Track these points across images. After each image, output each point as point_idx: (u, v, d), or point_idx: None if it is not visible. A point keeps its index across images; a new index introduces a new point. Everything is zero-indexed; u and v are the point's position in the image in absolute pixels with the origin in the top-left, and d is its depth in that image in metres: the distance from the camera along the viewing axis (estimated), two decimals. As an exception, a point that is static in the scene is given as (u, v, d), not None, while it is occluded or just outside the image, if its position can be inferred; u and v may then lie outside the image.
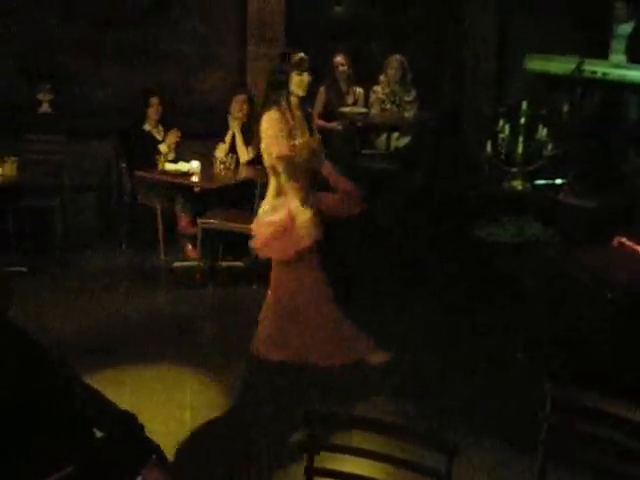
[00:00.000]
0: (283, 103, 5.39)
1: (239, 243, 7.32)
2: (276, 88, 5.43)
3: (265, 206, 5.55)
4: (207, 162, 7.65)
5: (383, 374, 5.57)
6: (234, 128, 7.85)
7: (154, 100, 8.12)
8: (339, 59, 9.33)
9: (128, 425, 2.91)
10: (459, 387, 5.43)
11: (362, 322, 5.86)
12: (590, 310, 5.11)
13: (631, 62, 9.10)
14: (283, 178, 5.38)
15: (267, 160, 5.43)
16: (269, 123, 5.34)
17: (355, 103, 9.34)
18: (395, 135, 9.14)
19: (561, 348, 5.31)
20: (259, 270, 7.34)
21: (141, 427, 2.94)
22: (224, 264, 7.71)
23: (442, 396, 5.32)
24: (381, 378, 5.54)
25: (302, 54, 5.45)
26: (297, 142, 5.37)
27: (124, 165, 8.01)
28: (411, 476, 2.94)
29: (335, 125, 9.15)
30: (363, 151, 9.11)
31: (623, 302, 4.93)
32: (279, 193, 5.45)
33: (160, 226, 7.62)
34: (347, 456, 3.04)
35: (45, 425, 2.76)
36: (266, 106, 5.42)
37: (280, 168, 5.36)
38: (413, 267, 7.45)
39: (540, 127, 7.79)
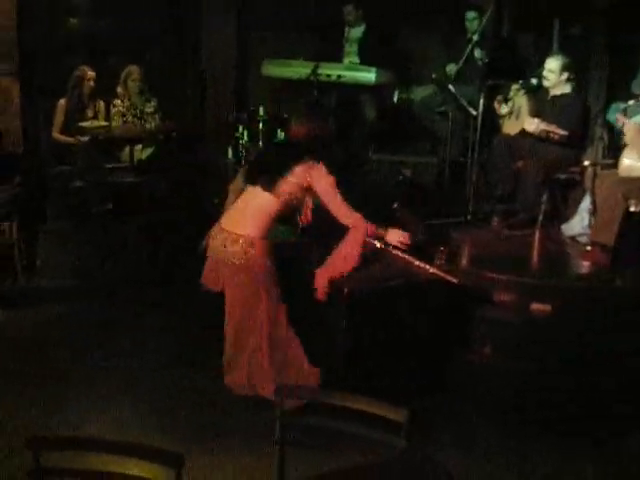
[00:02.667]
0: None
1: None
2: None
3: None
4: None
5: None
6: None
7: None
8: (91, 73, 9.13)
9: None
10: (198, 396, 5.46)
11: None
12: (329, 307, 5.26)
13: (363, 64, 9.50)
14: None
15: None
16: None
17: (96, 116, 9.20)
18: (138, 147, 9.07)
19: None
20: (5, 295, 7.15)
21: None
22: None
23: (181, 408, 5.34)
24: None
25: None
26: None
27: None
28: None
29: (76, 140, 8.97)
30: (107, 165, 8.98)
31: (356, 295, 5.11)
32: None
33: None
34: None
35: None
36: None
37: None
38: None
39: (279, 131, 7.98)
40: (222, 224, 5.19)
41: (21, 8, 8.72)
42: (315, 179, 5.10)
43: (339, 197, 5.16)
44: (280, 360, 5.22)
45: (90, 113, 9.20)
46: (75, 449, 2.90)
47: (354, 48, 9.75)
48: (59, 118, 9.10)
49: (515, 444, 4.96)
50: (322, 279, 5.22)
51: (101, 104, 9.30)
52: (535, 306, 5.55)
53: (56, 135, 9.13)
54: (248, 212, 5.11)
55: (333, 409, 3.29)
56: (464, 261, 6.19)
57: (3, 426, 5.05)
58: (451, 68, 8.77)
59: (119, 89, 9.27)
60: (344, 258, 5.23)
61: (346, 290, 5.09)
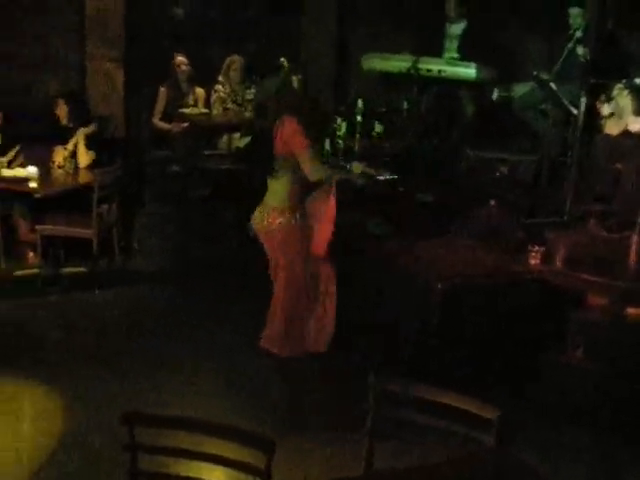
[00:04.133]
0: None
1: (81, 248, 7.26)
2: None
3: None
4: (45, 167, 7.50)
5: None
6: (82, 132, 7.65)
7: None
8: (180, 59, 9.32)
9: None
10: (283, 383, 5.50)
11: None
12: (422, 302, 5.27)
13: (463, 60, 9.44)
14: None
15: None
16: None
17: (196, 104, 9.34)
18: (237, 135, 9.17)
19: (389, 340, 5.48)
20: (102, 275, 7.33)
21: None
22: (67, 270, 7.58)
23: (267, 393, 5.42)
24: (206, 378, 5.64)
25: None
26: None
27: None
28: (239, 476, 3.00)
29: (175, 126, 9.12)
30: (206, 152, 9.10)
31: (450, 292, 5.11)
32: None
33: (-1, 234, 7.43)
34: (176, 458, 3.10)
35: None
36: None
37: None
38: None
39: (376, 124, 7.99)
40: (264, 200, 5.47)
41: (129, -4, 8.91)
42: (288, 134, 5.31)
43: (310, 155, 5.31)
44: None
45: (191, 100, 9.35)
46: (169, 427, 2.96)
47: (454, 44, 9.68)
48: (160, 105, 9.28)
49: (598, 451, 4.91)
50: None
51: (201, 91, 9.44)
52: (630, 310, 5.46)
53: (156, 121, 9.30)
54: (275, 186, 5.40)
55: (421, 402, 3.30)
56: (559, 262, 6.11)
57: (92, 401, 5.22)
58: (554, 67, 8.64)
59: (221, 78, 9.40)
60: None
61: (440, 286, 5.10)
